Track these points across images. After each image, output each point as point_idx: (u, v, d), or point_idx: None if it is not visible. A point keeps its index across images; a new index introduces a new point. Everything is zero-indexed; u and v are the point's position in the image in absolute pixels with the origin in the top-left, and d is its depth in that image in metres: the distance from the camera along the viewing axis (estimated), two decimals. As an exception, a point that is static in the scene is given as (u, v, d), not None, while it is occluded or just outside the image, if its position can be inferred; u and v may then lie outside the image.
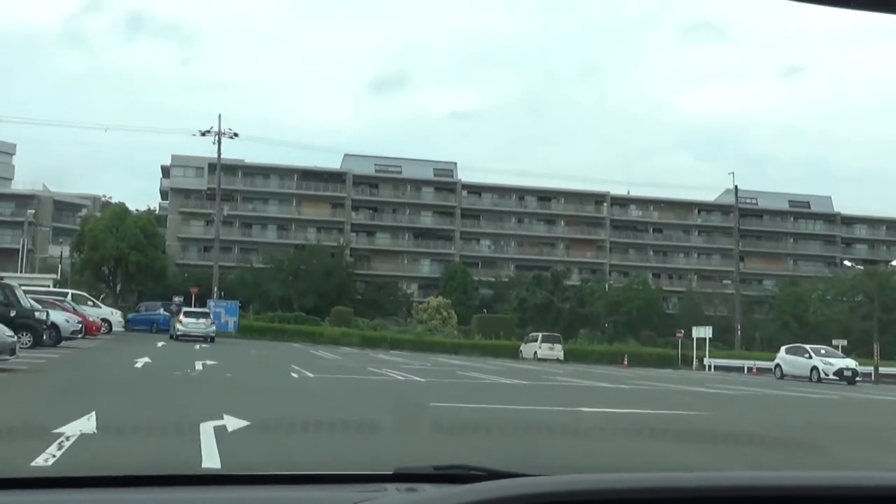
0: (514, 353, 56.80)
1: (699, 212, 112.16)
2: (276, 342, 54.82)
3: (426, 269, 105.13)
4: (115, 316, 44.82)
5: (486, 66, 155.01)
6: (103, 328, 42.90)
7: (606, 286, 75.12)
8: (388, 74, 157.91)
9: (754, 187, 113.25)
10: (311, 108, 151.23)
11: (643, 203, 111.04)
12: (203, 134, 61.29)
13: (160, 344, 37.58)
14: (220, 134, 60.52)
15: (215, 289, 57.79)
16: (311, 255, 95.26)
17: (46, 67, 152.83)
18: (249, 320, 58.95)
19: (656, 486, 1.80)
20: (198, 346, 36.86)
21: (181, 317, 47.85)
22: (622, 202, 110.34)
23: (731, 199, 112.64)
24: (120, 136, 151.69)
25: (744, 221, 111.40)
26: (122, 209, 64.86)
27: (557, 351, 53.74)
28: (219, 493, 2.43)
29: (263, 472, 2.65)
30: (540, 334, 55.78)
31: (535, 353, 53.48)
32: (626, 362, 52.52)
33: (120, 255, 63.87)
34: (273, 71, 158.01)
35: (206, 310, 53.12)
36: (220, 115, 60.95)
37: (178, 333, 46.58)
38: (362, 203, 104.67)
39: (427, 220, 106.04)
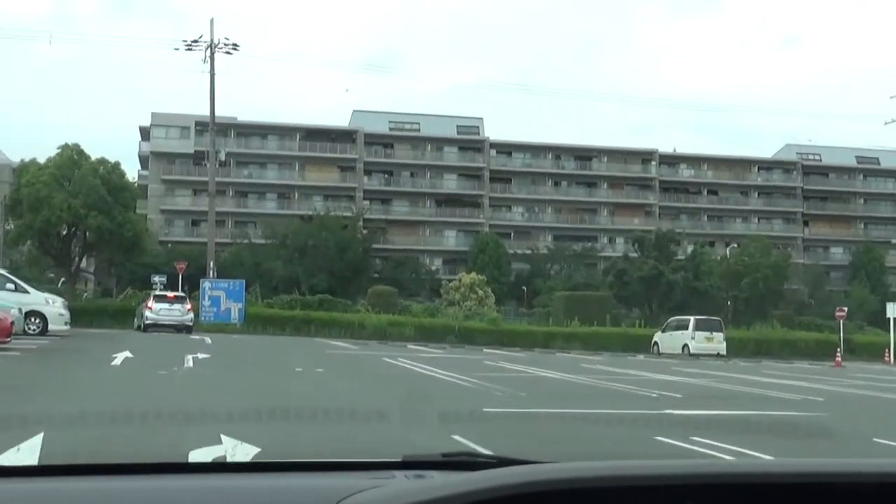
0: (631, 344, 39.71)
1: (758, 170, 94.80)
2: (297, 336, 37.59)
3: (451, 241, 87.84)
4: (52, 306, 26.72)
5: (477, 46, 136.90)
6: (27, 326, 25.21)
7: (727, 251, 57.37)
8: (383, 52, 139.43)
9: (816, 141, 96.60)
10: (306, 90, 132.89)
11: (695, 161, 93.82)
12: (189, 48, 43.37)
13: (116, 360, 19.31)
14: (212, 46, 42.67)
15: (211, 264, 40.07)
16: (321, 228, 77.71)
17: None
18: (258, 307, 41.42)
19: (666, 474, 1.75)
20: (189, 361, 19.11)
21: (150, 302, 36.56)
22: (671, 160, 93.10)
23: (790, 155, 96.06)
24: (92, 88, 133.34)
25: (807, 181, 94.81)
26: (74, 153, 46.07)
27: (718, 343, 36.65)
28: (226, 481, 2.33)
29: (271, 460, 2.60)
30: (691, 319, 38.37)
31: (686, 346, 36.32)
32: (839, 358, 35.42)
33: (74, 218, 45.82)
34: (266, 53, 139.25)
35: (181, 293, 38.53)
36: (212, 20, 42.87)
37: (147, 322, 35.98)
38: (376, 166, 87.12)
39: (451, 185, 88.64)
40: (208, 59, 42.42)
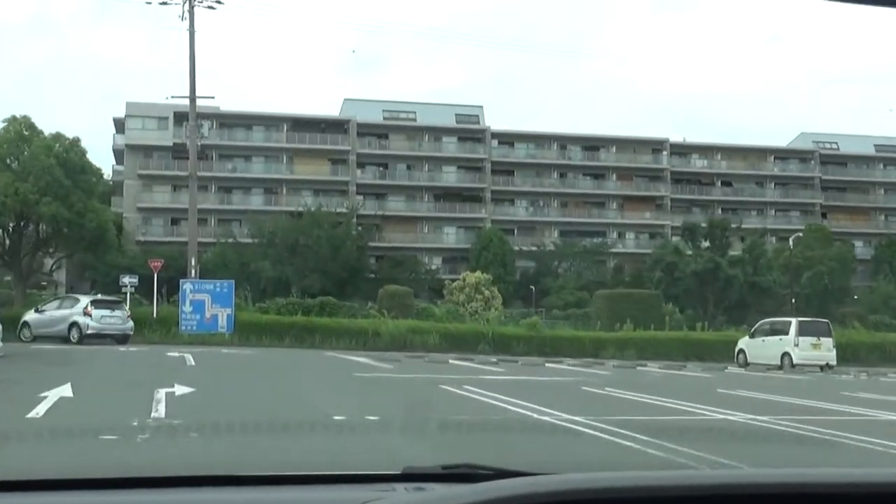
0: (694, 351, 32.69)
1: (774, 159, 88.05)
2: (300, 348, 30.38)
3: (451, 238, 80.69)
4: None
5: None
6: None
7: (790, 242, 50.08)
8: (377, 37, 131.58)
9: (832, 130, 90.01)
10: (294, 77, 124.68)
11: (707, 150, 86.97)
12: (164, 1, 35.73)
13: (41, 406, 11.68)
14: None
15: (192, 262, 32.51)
16: (312, 225, 70.48)
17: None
18: (249, 312, 34.02)
19: (667, 485, 1.71)
20: (160, 403, 11.71)
21: (89, 307, 30.70)
22: (683, 150, 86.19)
23: (806, 144, 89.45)
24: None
25: (824, 170, 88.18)
26: (23, 127, 37.53)
27: (826, 350, 29.40)
28: (226, 494, 2.31)
29: (272, 473, 2.51)
30: (793, 321, 30.89)
31: (788, 355, 29.08)
32: None
33: (22, 206, 37.14)
34: (251, 36, 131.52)
35: (117, 298, 32.63)
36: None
37: (88, 332, 30.11)
38: (369, 158, 79.84)
39: (450, 178, 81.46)
40: (187, 14, 35.03)
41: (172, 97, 44.91)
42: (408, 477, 2.37)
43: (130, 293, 32.56)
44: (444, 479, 2.34)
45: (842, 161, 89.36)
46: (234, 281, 33.35)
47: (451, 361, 25.67)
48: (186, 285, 31.80)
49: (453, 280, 67.23)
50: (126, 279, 32.59)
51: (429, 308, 39.97)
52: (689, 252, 48.36)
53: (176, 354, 22.97)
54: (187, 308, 31.40)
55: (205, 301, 31.56)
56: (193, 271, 32.37)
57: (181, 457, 7.93)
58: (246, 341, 31.04)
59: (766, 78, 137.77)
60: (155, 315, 31.23)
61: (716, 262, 43.37)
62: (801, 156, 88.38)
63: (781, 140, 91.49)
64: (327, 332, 31.80)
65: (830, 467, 1.86)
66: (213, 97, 72.24)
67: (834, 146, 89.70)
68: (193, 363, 20.18)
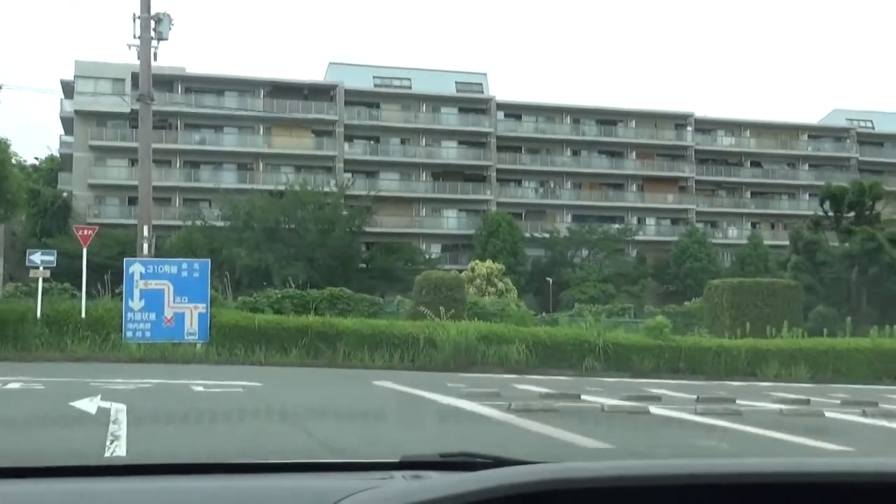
0: (889, 368, 21.31)
1: (808, 138, 77.08)
2: (322, 367, 18.46)
3: (451, 222, 68.87)
4: None
5: None
6: None
7: None
8: None
9: (864, 106, 79.37)
10: (271, 46, 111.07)
11: (734, 127, 75.79)
12: None
13: None
14: None
15: (145, 232, 19.80)
16: (295, 205, 58.64)
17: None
18: (231, 311, 21.77)
19: (665, 473, 1.70)
20: None
21: None
22: (707, 126, 74.90)
23: (839, 121, 78.60)
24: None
25: (859, 150, 77.43)
26: None
27: None
28: (221, 482, 2.18)
29: (268, 461, 2.43)
30: None
31: None
32: None
33: None
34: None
35: None
36: None
37: None
38: (358, 130, 67.80)
39: (450, 154, 69.66)
40: None
41: (131, 46, 32.39)
42: (405, 465, 2.28)
43: (46, 280, 20.43)
44: (442, 467, 2.25)
45: (877, 140, 78.67)
46: (209, 261, 21.20)
47: (584, 397, 13.67)
48: (135, 267, 19.54)
49: (461, 270, 54.94)
50: (37, 257, 20.31)
51: (479, 302, 28.02)
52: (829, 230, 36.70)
53: (89, 406, 10.56)
54: (136, 303, 19.26)
55: (164, 292, 19.54)
56: (146, 246, 20.20)
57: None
58: (230, 357, 19.02)
59: (795, 48, 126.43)
60: (83, 314, 19.14)
61: (877, 241, 31.95)
62: (836, 134, 77.52)
63: (811, 117, 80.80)
64: (354, 340, 19.85)
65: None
66: (183, 68, 60.43)
67: (868, 125, 79.03)
68: (119, 435, 8.16)
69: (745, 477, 1.69)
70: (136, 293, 19.52)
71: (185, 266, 20.22)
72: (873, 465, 1.77)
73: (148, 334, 19.48)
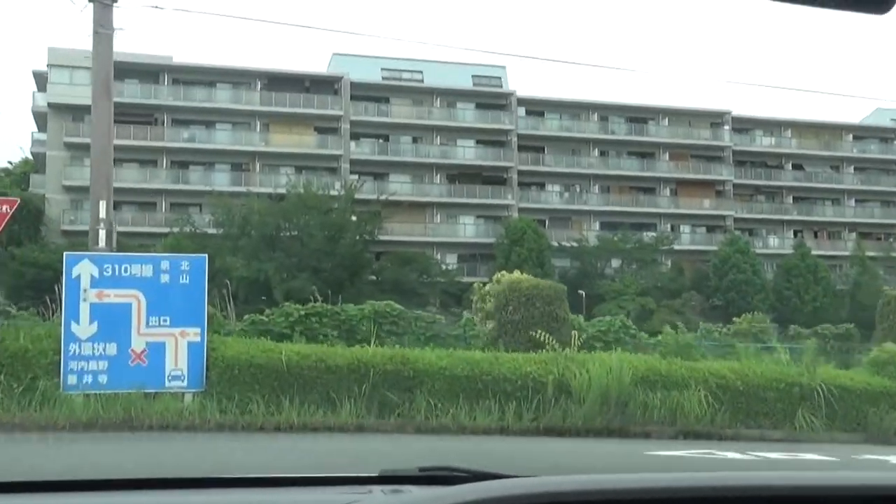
0: None
1: (853, 139, 69.61)
2: (396, 438, 10.22)
3: (469, 230, 60.88)
4: None
5: None
6: None
7: None
8: None
9: None
10: (268, 35, 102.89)
11: (773, 126, 68.23)
12: None
13: None
14: None
15: (101, 209, 12.00)
16: (298, 210, 50.66)
17: None
18: (239, 339, 13.77)
19: (640, 487, 1.67)
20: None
21: None
22: (745, 125, 67.32)
23: (882, 121, 71.16)
24: None
25: (904, 152, 70.04)
26: None
27: None
28: (206, 496, 2.23)
29: (249, 476, 2.45)
30: None
31: None
32: None
33: None
34: None
35: None
36: None
37: None
38: (365, 127, 59.87)
39: (467, 154, 61.75)
40: None
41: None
42: (385, 479, 2.28)
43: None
44: (422, 481, 2.24)
45: (925, 142, 71.29)
46: (206, 257, 12.98)
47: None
48: (83, 267, 11.35)
49: (484, 283, 46.38)
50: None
51: (574, 320, 20.10)
52: None
53: None
54: (83, 327, 11.15)
55: (132, 308, 11.53)
56: (103, 235, 12.19)
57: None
58: (240, 417, 10.99)
59: (836, 46, 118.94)
60: (-6, 347, 11.09)
61: None
62: (881, 135, 70.05)
63: (853, 116, 73.33)
64: (442, 385, 11.85)
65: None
66: (170, 57, 52.59)
67: (914, 125, 71.64)
68: None
69: (723, 490, 1.61)
70: (85, 310, 11.45)
71: (166, 265, 12.12)
72: (859, 479, 1.71)
73: (103, 379, 11.40)
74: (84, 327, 11.52)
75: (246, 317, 18.45)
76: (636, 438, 12.25)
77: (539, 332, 14.07)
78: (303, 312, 18.37)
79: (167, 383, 11.78)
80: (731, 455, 9.95)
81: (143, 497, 2.10)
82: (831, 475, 1.79)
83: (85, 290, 11.62)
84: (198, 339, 12.03)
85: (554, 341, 14.25)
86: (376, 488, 2.15)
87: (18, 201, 13.13)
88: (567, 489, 1.60)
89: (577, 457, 10.10)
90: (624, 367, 12.59)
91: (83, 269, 11.64)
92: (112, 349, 11.65)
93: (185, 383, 11.84)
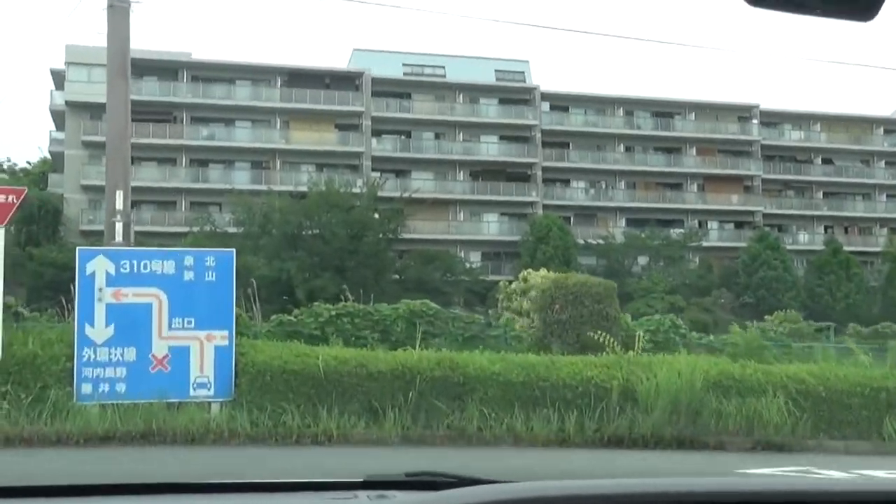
0: None
1: (884, 132, 67.93)
2: (438, 449, 9.01)
3: (492, 227, 59.61)
4: None
5: None
6: None
7: None
8: None
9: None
10: (289, 30, 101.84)
11: (802, 120, 66.66)
12: None
13: None
14: None
15: (119, 199, 11.00)
16: (320, 208, 49.48)
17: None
18: (268, 342, 12.56)
19: (626, 492, 1.66)
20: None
21: None
22: (773, 119, 65.77)
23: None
24: None
25: (937, 146, 68.28)
26: None
27: None
28: (191, 502, 2.23)
29: (234, 481, 2.39)
30: None
31: None
32: None
33: None
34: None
35: None
36: None
37: None
38: (387, 123, 58.72)
39: (490, 150, 60.48)
40: None
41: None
42: (370, 484, 2.26)
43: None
44: (407, 486, 2.23)
45: (958, 135, 69.50)
46: (234, 251, 11.78)
47: None
48: (98, 263, 10.30)
49: (510, 281, 45.22)
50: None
51: (622, 318, 18.75)
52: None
53: None
54: (98, 331, 10.11)
55: (152, 309, 10.45)
56: (120, 228, 11.06)
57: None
58: (273, 429, 9.83)
59: (863, 38, 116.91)
60: None
61: None
62: (912, 127, 68.37)
63: (880, 110, 71.60)
64: (496, 392, 10.63)
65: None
66: (189, 53, 51.51)
67: (945, 118, 69.89)
68: None
69: (714, 496, 1.59)
70: (100, 311, 10.30)
71: (190, 261, 10.95)
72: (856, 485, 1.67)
73: (120, 388, 10.26)
74: (99, 330, 10.37)
75: (273, 317, 17.26)
76: (710, 451, 10.99)
77: (597, 332, 12.81)
78: (333, 313, 17.17)
79: (192, 392, 10.61)
80: (835, 474, 8.65)
81: (124, 502, 2.08)
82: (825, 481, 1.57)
83: (100, 289, 10.46)
84: (225, 342, 10.85)
85: (615, 342, 13.04)
86: (362, 493, 2.14)
87: (26, 191, 11.89)
88: (551, 494, 1.58)
89: (660, 475, 8.84)
90: (695, 371, 11.32)
91: (98, 265, 10.47)
92: (131, 354, 10.48)
93: (211, 392, 10.67)
